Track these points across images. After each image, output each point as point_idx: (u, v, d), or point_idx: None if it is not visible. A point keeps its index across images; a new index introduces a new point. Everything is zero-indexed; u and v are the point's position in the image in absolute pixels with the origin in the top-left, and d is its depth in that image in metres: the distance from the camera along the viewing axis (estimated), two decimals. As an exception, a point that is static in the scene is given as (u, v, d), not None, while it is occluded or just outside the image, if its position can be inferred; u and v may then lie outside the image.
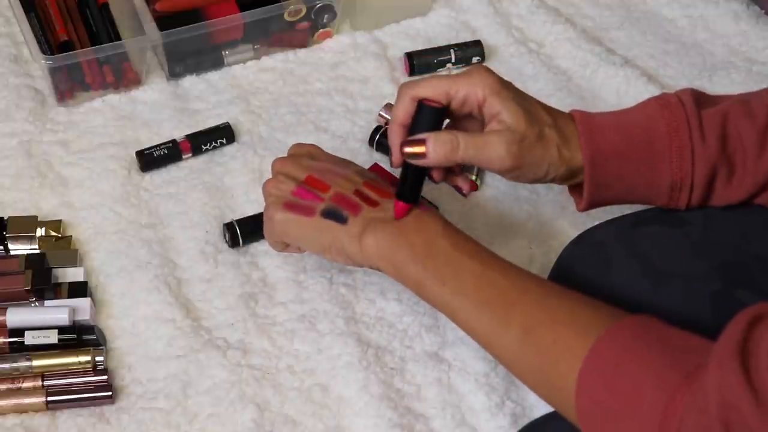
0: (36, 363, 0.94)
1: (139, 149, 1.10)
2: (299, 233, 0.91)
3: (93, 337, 0.95)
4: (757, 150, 0.85)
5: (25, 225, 1.03)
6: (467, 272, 0.84)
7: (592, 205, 0.90)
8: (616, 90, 1.19)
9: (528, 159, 0.87)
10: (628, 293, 0.87)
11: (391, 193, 0.91)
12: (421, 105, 0.87)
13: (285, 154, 1.11)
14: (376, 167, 1.10)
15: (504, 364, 0.84)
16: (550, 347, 0.78)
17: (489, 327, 0.83)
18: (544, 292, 0.82)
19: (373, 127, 1.14)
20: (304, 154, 0.96)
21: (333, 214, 0.89)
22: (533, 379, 0.81)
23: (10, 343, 0.94)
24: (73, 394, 0.93)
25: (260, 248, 1.04)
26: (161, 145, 1.10)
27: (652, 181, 0.88)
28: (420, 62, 1.20)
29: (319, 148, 0.97)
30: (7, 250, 1.02)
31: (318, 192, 0.91)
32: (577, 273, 0.91)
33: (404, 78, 1.20)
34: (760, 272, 0.86)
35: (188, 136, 1.11)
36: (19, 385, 0.93)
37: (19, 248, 1.02)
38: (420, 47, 1.22)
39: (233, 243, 1.04)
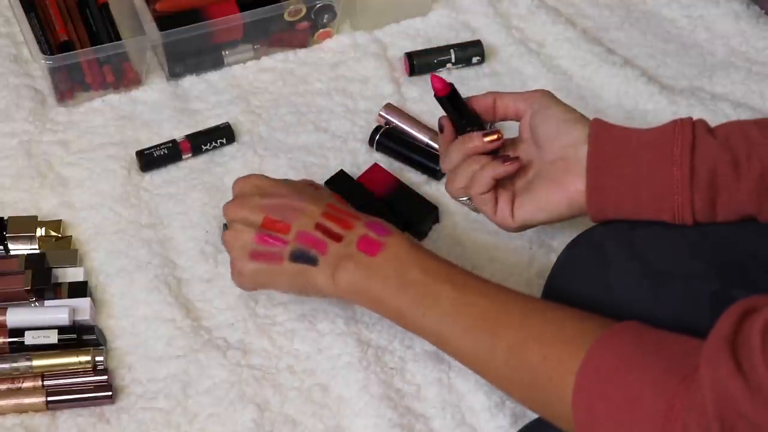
0: (36, 363, 0.94)
1: (139, 149, 1.10)
2: (273, 281, 0.91)
3: (93, 337, 0.95)
4: (763, 141, 0.85)
5: (25, 225, 1.03)
6: (445, 299, 0.84)
7: (595, 191, 0.89)
8: (616, 90, 1.19)
9: (551, 102, 0.93)
10: (626, 294, 0.87)
11: (351, 221, 0.89)
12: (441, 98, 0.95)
13: (285, 155, 1.12)
14: (376, 167, 1.09)
15: (496, 386, 0.84)
16: (540, 363, 0.78)
17: (475, 350, 0.82)
18: (526, 310, 0.82)
19: (373, 127, 1.14)
20: (251, 191, 0.93)
21: (303, 257, 0.89)
22: (526, 396, 0.81)
23: (10, 343, 0.94)
24: (73, 394, 0.93)
25: (260, 248, 1.04)
26: (161, 145, 1.10)
27: (655, 171, 0.87)
28: (420, 62, 1.20)
29: (264, 177, 0.95)
30: (7, 250, 1.02)
31: (280, 234, 0.90)
32: (576, 274, 0.91)
33: (404, 78, 1.20)
34: (758, 272, 0.85)
35: (188, 136, 1.11)
36: (19, 385, 0.93)
37: (19, 248, 1.02)
38: (420, 47, 1.22)
39: (233, 243, 1.04)
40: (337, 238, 0.89)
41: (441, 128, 0.97)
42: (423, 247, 0.89)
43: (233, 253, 0.92)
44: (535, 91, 0.95)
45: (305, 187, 0.95)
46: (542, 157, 0.92)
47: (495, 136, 0.93)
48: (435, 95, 0.95)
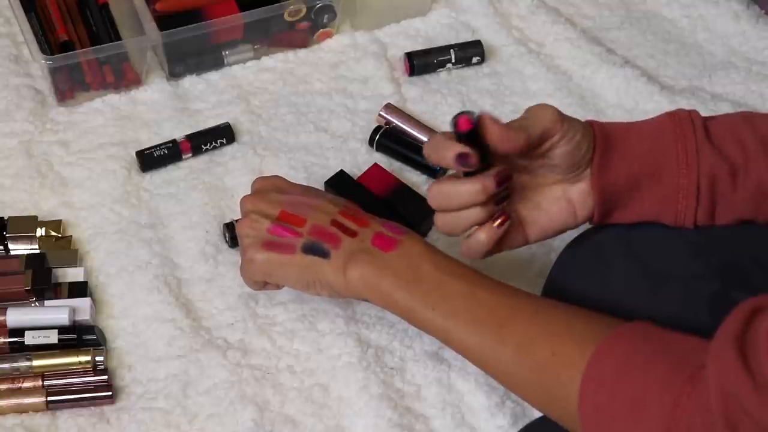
0: (36, 363, 0.94)
1: (139, 149, 1.10)
2: (282, 272, 0.90)
3: (93, 337, 0.95)
4: (758, 153, 0.85)
5: (25, 225, 1.03)
6: (455, 294, 0.84)
7: (602, 197, 0.88)
8: (616, 90, 1.19)
9: (570, 124, 0.85)
10: (625, 294, 0.87)
11: (367, 220, 0.90)
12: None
13: (285, 155, 1.12)
14: (375, 167, 1.09)
15: (503, 383, 0.84)
16: (548, 360, 0.78)
17: (483, 347, 0.82)
18: (535, 307, 0.82)
19: (373, 127, 1.14)
20: (270, 188, 0.94)
21: (315, 250, 0.89)
22: (533, 393, 0.81)
23: (10, 343, 0.94)
24: (73, 394, 0.93)
25: (260, 248, 1.04)
26: (161, 145, 1.11)
27: (659, 178, 0.87)
28: (420, 62, 1.20)
29: (283, 179, 0.96)
30: (7, 250, 1.02)
31: (294, 227, 0.90)
32: (576, 274, 0.91)
33: (404, 78, 1.20)
34: (758, 273, 0.86)
35: (188, 136, 1.11)
36: (20, 385, 0.93)
37: (19, 248, 1.02)
38: (420, 47, 1.22)
39: (233, 243, 1.04)
40: (352, 234, 0.89)
41: (466, 162, 0.83)
42: (437, 248, 0.89)
43: (246, 241, 0.91)
44: (545, 111, 0.85)
45: (323, 192, 0.96)
46: (553, 170, 0.88)
47: (505, 175, 0.84)
48: (455, 129, 0.82)
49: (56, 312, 0.95)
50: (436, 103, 1.17)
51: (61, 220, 1.05)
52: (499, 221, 0.86)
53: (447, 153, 0.83)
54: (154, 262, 1.03)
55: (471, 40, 1.22)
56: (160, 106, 1.16)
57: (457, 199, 0.85)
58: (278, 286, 0.94)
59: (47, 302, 0.98)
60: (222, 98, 1.17)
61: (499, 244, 0.88)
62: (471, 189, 0.84)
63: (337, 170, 1.09)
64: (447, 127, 1.15)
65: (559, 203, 0.89)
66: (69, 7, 1.17)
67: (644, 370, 0.73)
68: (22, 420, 0.93)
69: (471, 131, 0.82)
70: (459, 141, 0.83)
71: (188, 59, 1.17)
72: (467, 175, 0.84)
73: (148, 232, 1.05)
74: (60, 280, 0.99)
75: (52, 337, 0.94)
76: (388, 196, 1.07)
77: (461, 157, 0.82)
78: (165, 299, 1.00)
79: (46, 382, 0.93)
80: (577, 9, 1.28)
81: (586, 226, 0.94)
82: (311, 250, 0.89)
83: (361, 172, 1.10)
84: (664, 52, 1.24)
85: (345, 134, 1.14)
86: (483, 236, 0.86)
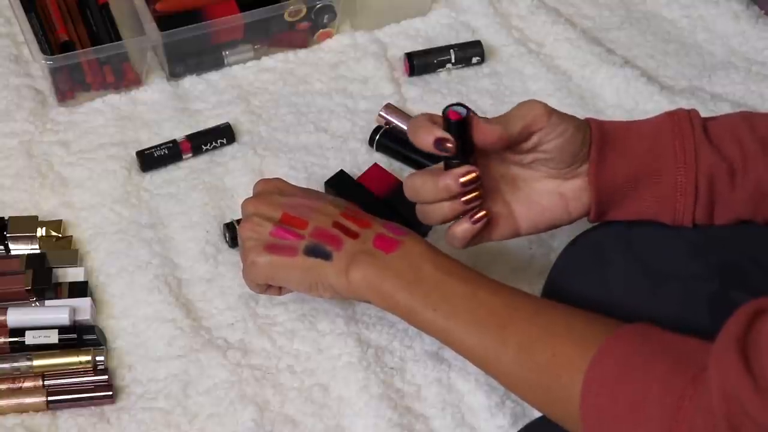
0: (36, 363, 0.94)
1: (140, 149, 1.11)
2: (285, 275, 0.90)
3: (93, 337, 0.95)
4: (757, 153, 0.85)
5: (26, 225, 1.03)
6: (457, 295, 0.84)
7: (599, 195, 0.88)
8: (616, 90, 1.19)
9: (560, 118, 0.85)
10: (625, 294, 0.87)
11: (368, 221, 0.90)
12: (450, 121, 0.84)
13: (285, 155, 1.12)
14: (375, 167, 1.10)
15: (503, 384, 0.84)
16: (549, 361, 0.78)
17: (485, 347, 0.83)
18: (536, 308, 0.82)
19: (373, 127, 1.14)
20: (273, 191, 0.94)
21: (317, 252, 0.89)
22: (534, 394, 0.81)
23: (10, 343, 0.94)
24: (74, 393, 0.93)
25: (260, 248, 1.04)
26: (161, 145, 1.11)
27: (658, 175, 0.87)
28: (420, 62, 1.20)
29: (285, 181, 0.96)
30: (7, 250, 1.02)
31: (296, 229, 0.90)
32: (575, 274, 0.91)
33: (404, 78, 1.20)
34: (757, 274, 0.86)
35: (188, 136, 1.12)
36: (20, 384, 0.93)
37: (19, 248, 1.02)
38: (420, 47, 1.22)
39: (233, 243, 1.04)
40: (354, 235, 0.89)
41: (443, 147, 0.85)
42: (437, 248, 0.89)
43: (248, 244, 0.91)
44: (531, 107, 0.86)
45: (324, 194, 0.96)
46: (547, 164, 0.88)
47: (470, 177, 0.85)
48: (445, 117, 0.84)
49: (56, 312, 0.95)
50: (436, 103, 1.17)
51: (61, 220, 1.05)
52: (476, 217, 0.88)
53: (428, 137, 0.85)
54: (155, 262, 1.03)
55: (471, 40, 1.22)
56: (160, 106, 1.16)
57: (423, 194, 0.88)
58: (280, 290, 0.95)
59: (47, 302, 0.98)
60: (222, 98, 1.17)
61: (488, 235, 0.90)
62: (434, 186, 0.86)
63: (337, 170, 1.09)
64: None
65: (551, 196, 0.89)
66: (69, 7, 1.17)
67: (644, 371, 0.73)
68: (22, 420, 0.93)
69: (460, 123, 0.84)
70: (446, 130, 0.85)
71: (188, 59, 1.17)
72: (447, 164, 0.86)
73: (148, 232, 1.05)
74: (60, 280, 0.99)
75: (53, 337, 0.94)
76: (388, 196, 1.07)
77: (439, 142, 0.85)
78: (165, 299, 1.00)
79: (47, 382, 0.93)
80: (577, 9, 1.28)
81: (586, 225, 0.94)
82: (313, 252, 0.89)
83: (361, 172, 1.10)
84: (664, 52, 1.24)
85: (345, 134, 1.14)
86: (458, 232, 0.88)
